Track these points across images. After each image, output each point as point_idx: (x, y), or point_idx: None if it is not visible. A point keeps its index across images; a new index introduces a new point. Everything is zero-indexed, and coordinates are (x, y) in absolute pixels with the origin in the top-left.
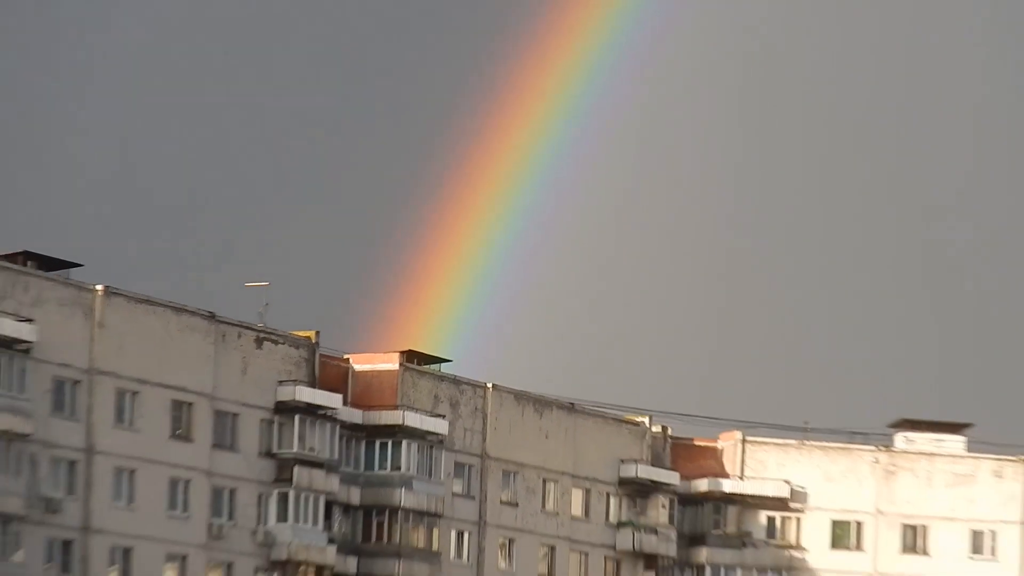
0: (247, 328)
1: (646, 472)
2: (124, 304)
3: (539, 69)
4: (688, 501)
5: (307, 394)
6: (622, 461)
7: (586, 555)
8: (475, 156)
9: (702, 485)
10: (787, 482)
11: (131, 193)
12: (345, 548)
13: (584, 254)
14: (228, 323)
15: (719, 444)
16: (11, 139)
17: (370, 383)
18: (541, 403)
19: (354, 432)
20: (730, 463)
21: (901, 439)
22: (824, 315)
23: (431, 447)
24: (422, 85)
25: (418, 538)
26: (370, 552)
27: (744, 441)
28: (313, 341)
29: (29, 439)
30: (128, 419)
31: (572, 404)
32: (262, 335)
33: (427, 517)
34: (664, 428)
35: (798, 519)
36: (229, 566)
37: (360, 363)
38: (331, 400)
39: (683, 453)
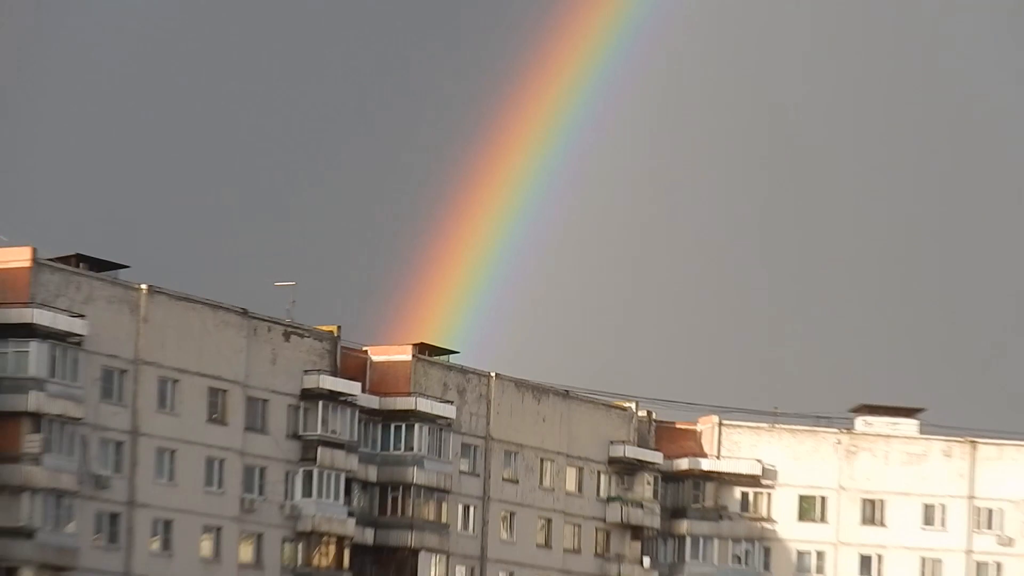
0: (276, 323)
1: (633, 452)
2: (166, 301)
3: (540, 79)
4: (670, 478)
5: (329, 382)
6: (611, 442)
7: (579, 527)
8: (478, 170)
9: (683, 464)
10: (759, 461)
11: (172, 201)
12: (363, 520)
13: (578, 257)
14: (259, 318)
15: (698, 427)
16: (62, 152)
17: (386, 372)
18: (539, 390)
19: (371, 416)
20: (708, 444)
21: (860, 422)
22: (793, 313)
23: (440, 430)
24: (429, 104)
25: (429, 511)
26: (386, 524)
27: (720, 424)
28: (335, 335)
29: (81, 422)
30: (169, 404)
31: (567, 391)
32: (289, 329)
33: (437, 492)
34: (649, 413)
35: (768, 494)
36: (259, 537)
37: (377, 354)
38: (351, 388)
39: (666, 435)
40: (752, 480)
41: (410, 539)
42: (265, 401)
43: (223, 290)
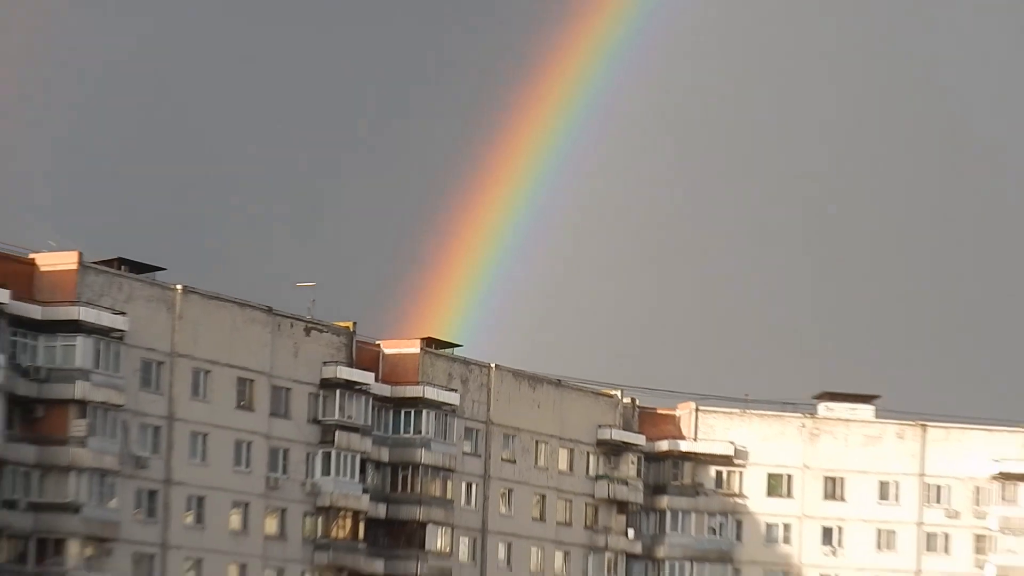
0: (298, 319)
1: (618, 435)
2: (199, 300)
3: (543, 86)
4: (652, 458)
5: (346, 372)
6: (599, 426)
7: (570, 502)
8: (479, 181)
9: (663, 445)
10: (731, 443)
11: (205, 210)
12: (376, 497)
13: (570, 260)
14: (282, 315)
15: (677, 412)
16: (106, 165)
17: (396, 363)
18: (534, 379)
19: (384, 403)
20: (686, 427)
21: (822, 408)
22: (762, 311)
23: (446, 415)
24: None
25: (435, 488)
26: (396, 500)
27: (697, 410)
28: (351, 330)
29: (122, 409)
30: (202, 393)
31: (559, 380)
32: (310, 325)
33: (442, 471)
34: (633, 400)
35: (740, 473)
36: (283, 511)
37: (389, 347)
38: (365, 377)
39: (648, 420)
40: (725, 460)
41: (418, 513)
42: (288, 390)
43: (250, 290)
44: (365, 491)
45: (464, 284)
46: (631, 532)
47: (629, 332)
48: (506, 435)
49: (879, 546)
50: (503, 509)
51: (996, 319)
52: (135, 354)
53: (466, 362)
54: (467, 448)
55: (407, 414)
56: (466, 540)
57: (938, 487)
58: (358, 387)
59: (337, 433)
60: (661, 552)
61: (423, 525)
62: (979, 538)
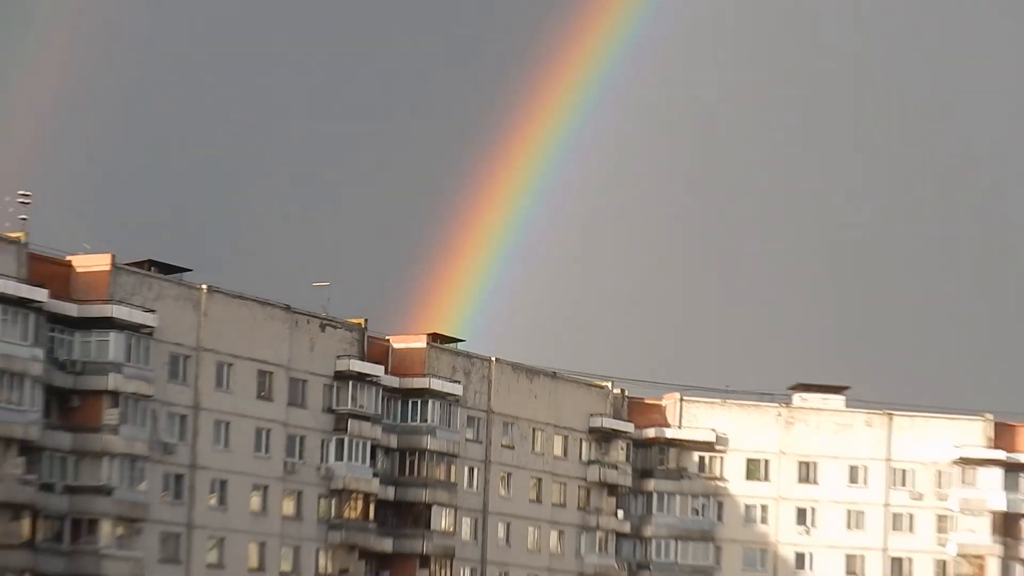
0: (313, 316)
1: (609, 423)
2: (222, 298)
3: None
4: (640, 444)
5: (358, 365)
6: (591, 415)
7: (564, 484)
8: (480, 187)
9: (650, 433)
10: (713, 430)
11: (227, 216)
12: (386, 480)
13: (563, 261)
14: (299, 313)
15: (663, 402)
16: (135, 174)
17: (404, 357)
18: (531, 372)
19: (393, 393)
20: (671, 416)
21: (797, 398)
22: (742, 309)
23: (450, 405)
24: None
25: (440, 472)
26: (404, 483)
27: (681, 400)
28: (362, 326)
29: (151, 399)
30: (225, 384)
31: (555, 373)
32: (325, 322)
33: (447, 457)
34: (622, 390)
35: (721, 458)
36: (299, 493)
37: (397, 342)
38: (376, 370)
39: (636, 409)
40: (707, 446)
41: (424, 495)
42: (304, 381)
43: (270, 289)
44: (375, 475)
45: (466, 285)
46: (620, 513)
47: (619, 329)
48: (505, 423)
49: (849, 526)
50: (502, 491)
51: (957, 318)
52: (163, 348)
53: (468, 356)
54: (469, 435)
55: (414, 404)
56: (468, 520)
57: (903, 471)
58: (369, 379)
59: (350, 421)
60: (648, 531)
61: (428, 506)
62: (941, 518)
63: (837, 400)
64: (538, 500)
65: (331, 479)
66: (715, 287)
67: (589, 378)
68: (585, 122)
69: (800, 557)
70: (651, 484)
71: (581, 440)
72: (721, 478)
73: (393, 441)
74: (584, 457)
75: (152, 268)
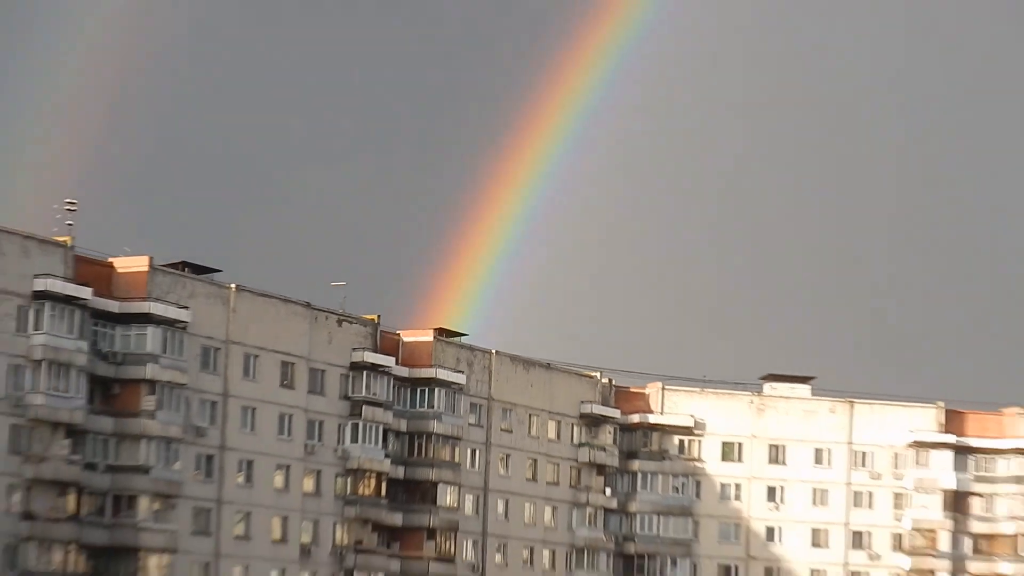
0: (331, 313)
1: (598, 409)
2: (249, 296)
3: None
4: (626, 429)
5: (371, 357)
6: (582, 402)
7: (557, 465)
8: (482, 190)
9: (635, 418)
10: (692, 416)
11: (254, 222)
12: (396, 460)
13: (559, 261)
14: (319, 309)
15: (647, 390)
16: (170, 184)
17: (414, 349)
18: (528, 363)
19: (403, 382)
20: (654, 403)
21: (768, 387)
22: (717, 304)
23: (454, 392)
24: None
25: (445, 454)
26: (413, 463)
27: (663, 389)
28: (376, 322)
29: (185, 387)
30: (252, 373)
31: (549, 364)
32: (341, 317)
33: (451, 440)
34: (610, 380)
35: (699, 441)
36: (318, 472)
37: (407, 336)
38: (388, 361)
39: (623, 396)
40: (687, 430)
41: (431, 474)
42: (323, 371)
43: (292, 288)
44: (387, 456)
45: (470, 284)
46: (608, 490)
47: (607, 323)
48: (504, 409)
49: (814, 502)
50: (502, 471)
51: (913, 313)
52: (196, 341)
53: (471, 348)
54: (472, 420)
55: (422, 392)
56: (471, 497)
57: (863, 453)
58: (381, 369)
59: (364, 407)
60: (633, 507)
61: (435, 484)
62: (897, 496)
63: (804, 389)
64: (534, 479)
65: (347, 459)
66: (695, 287)
67: (580, 369)
68: (583, 126)
69: (770, 531)
70: (636, 464)
71: (573, 425)
72: (699, 459)
73: (403, 425)
74: (575, 440)
75: (186, 269)
